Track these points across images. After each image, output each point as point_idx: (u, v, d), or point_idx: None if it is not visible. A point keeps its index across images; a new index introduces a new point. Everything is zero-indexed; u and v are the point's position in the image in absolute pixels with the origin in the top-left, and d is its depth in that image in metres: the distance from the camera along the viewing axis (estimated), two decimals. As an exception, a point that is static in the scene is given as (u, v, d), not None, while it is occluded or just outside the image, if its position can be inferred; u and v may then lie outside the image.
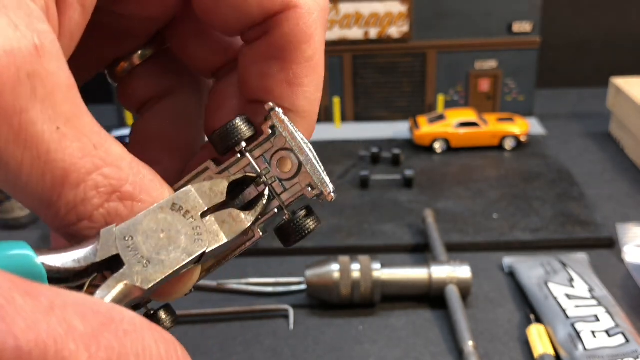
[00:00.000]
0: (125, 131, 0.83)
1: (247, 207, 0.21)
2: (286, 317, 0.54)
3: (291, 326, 0.53)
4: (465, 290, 0.54)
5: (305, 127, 0.21)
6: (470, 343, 0.48)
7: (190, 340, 0.52)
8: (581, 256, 0.59)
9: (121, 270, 0.18)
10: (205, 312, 0.54)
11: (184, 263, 0.19)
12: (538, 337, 0.49)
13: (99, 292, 0.18)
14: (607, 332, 0.48)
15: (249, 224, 0.21)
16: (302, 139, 0.21)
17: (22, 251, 0.17)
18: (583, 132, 0.90)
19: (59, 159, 0.16)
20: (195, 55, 0.23)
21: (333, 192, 0.22)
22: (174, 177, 0.23)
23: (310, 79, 0.21)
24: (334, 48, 0.90)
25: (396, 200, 0.71)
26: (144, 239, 0.19)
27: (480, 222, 0.66)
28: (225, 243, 0.21)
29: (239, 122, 0.21)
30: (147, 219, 0.19)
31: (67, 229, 0.18)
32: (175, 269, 0.19)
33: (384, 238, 0.64)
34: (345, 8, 0.88)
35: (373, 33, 0.89)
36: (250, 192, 0.21)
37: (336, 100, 0.92)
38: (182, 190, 0.20)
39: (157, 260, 0.19)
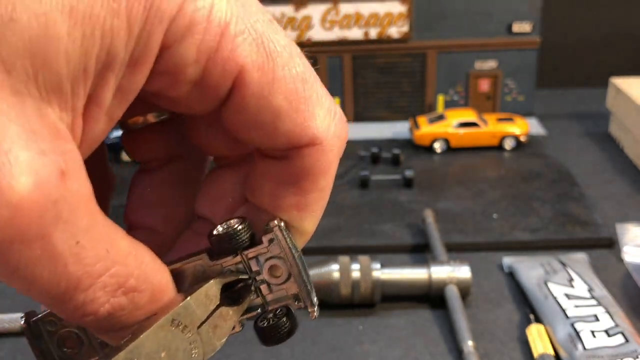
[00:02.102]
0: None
1: (235, 302, 0.22)
2: (286, 317, 0.54)
3: (291, 326, 0.53)
4: (465, 290, 0.54)
5: (303, 242, 0.23)
6: (470, 343, 0.48)
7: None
8: (581, 256, 0.59)
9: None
10: (205, 312, 0.54)
11: None
12: (538, 336, 0.49)
13: None
14: (606, 331, 0.48)
15: (236, 320, 0.22)
16: (298, 255, 0.22)
17: None
18: (583, 132, 0.90)
19: (75, 270, 0.17)
20: (205, 140, 0.23)
21: (317, 310, 0.23)
22: (168, 246, 0.24)
23: (319, 205, 0.22)
24: (334, 48, 0.90)
25: (396, 200, 0.71)
26: None
27: (480, 222, 0.66)
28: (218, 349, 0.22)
29: (241, 229, 0.21)
30: (149, 341, 0.19)
31: (72, 321, 0.19)
32: None
33: (383, 238, 0.64)
34: (345, 8, 0.88)
35: (373, 33, 0.89)
36: (239, 288, 0.22)
37: (336, 101, 0.92)
38: (181, 305, 0.20)
39: None
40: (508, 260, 0.60)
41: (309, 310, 0.23)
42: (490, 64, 0.91)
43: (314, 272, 0.54)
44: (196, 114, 0.21)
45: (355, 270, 0.54)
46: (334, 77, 0.92)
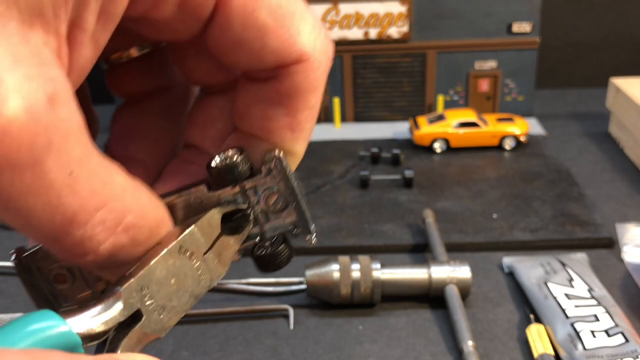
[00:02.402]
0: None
1: (234, 231, 0.22)
2: (286, 316, 0.55)
3: (291, 326, 0.53)
4: (464, 290, 0.54)
5: (295, 164, 0.23)
6: (470, 343, 0.49)
7: (190, 340, 0.52)
8: (581, 256, 0.59)
9: (141, 322, 0.19)
10: (205, 312, 0.54)
11: (191, 305, 0.20)
12: (538, 336, 0.49)
13: (122, 345, 0.19)
14: (606, 331, 0.48)
15: (236, 249, 0.22)
16: (297, 184, 0.22)
17: (58, 326, 0.17)
18: (583, 132, 0.90)
19: (70, 202, 0.16)
20: (191, 69, 0.23)
21: (314, 237, 0.23)
22: (155, 176, 0.23)
23: (310, 125, 0.22)
24: (334, 48, 0.90)
25: (396, 200, 0.71)
26: (158, 288, 0.19)
27: (479, 222, 0.66)
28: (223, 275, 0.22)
29: (240, 160, 0.22)
30: (159, 267, 0.19)
31: (73, 261, 0.18)
32: (185, 312, 0.20)
33: (383, 238, 0.64)
34: (345, 8, 0.88)
35: (373, 33, 0.89)
36: (238, 218, 0.22)
37: (336, 101, 0.92)
38: (187, 232, 0.20)
39: (170, 307, 0.20)
40: (508, 260, 0.60)
41: (307, 237, 0.23)
42: (490, 64, 0.91)
43: (313, 272, 0.54)
44: (181, 40, 0.21)
45: (355, 270, 0.54)
46: (334, 77, 0.92)
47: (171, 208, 0.21)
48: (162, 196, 0.21)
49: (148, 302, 0.19)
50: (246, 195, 0.22)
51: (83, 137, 0.17)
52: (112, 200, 0.18)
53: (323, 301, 0.55)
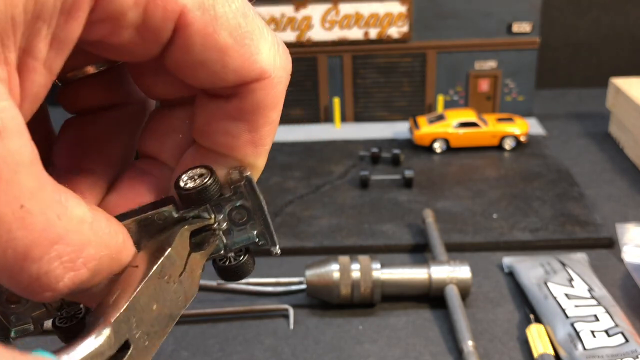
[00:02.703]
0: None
1: (199, 247, 0.22)
2: (286, 316, 0.55)
3: (291, 326, 0.53)
4: (464, 290, 0.54)
5: (256, 177, 0.23)
6: (470, 343, 0.49)
7: (190, 340, 0.52)
8: (581, 256, 0.59)
9: (129, 352, 0.19)
10: (205, 312, 0.54)
11: (170, 328, 0.20)
12: (538, 336, 0.49)
13: None
14: (606, 331, 0.48)
15: (203, 264, 0.22)
16: (263, 201, 0.23)
17: None
18: (582, 132, 0.90)
19: (21, 237, 0.16)
20: (149, 85, 0.23)
21: (278, 248, 0.24)
22: (105, 186, 0.23)
23: (270, 139, 0.22)
24: (334, 48, 0.90)
25: (396, 200, 0.71)
26: (142, 316, 0.19)
27: (479, 222, 0.66)
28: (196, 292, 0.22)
29: (210, 182, 0.22)
30: (143, 296, 0.19)
31: (31, 298, 0.18)
32: (165, 336, 0.20)
33: (383, 238, 0.64)
34: (345, 8, 0.88)
35: (373, 33, 0.89)
36: (204, 233, 0.23)
37: (336, 101, 0.92)
38: (165, 256, 0.20)
39: (153, 332, 0.20)
40: (508, 260, 0.60)
41: (272, 249, 0.24)
42: (490, 64, 0.91)
43: (313, 272, 0.54)
44: (139, 61, 0.21)
45: (355, 270, 0.54)
46: (334, 77, 0.92)
47: (133, 228, 0.21)
48: (125, 215, 0.21)
49: (135, 332, 0.19)
50: (211, 210, 0.22)
51: (35, 168, 0.16)
52: (68, 233, 0.17)
53: (323, 301, 0.55)
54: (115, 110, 0.24)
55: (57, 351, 0.17)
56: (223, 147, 0.22)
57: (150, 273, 0.20)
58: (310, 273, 0.54)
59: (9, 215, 0.16)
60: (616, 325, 0.48)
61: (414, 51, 0.91)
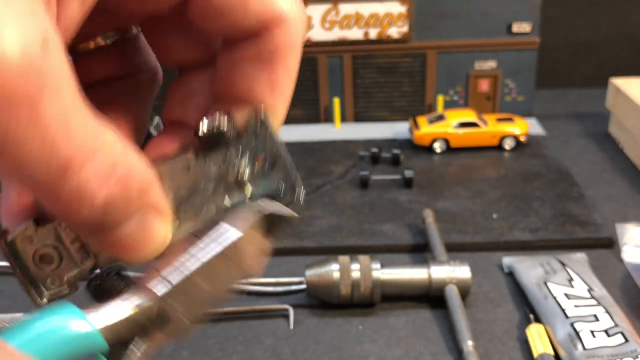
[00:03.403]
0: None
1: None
2: (286, 316, 0.55)
3: (291, 326, 0.53)
4: (464, 290, 0.54)
5: (277, 125, 0.23)
6: (470, 342, 0.49)
7: (190, 340, 0.52)
8: (580, 256, 0.60)
9: (168, 328, 0.19)
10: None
11: (214, 309, 0.20)
12: (537, 336, 0.49)
13: (142, 349, 0.19)
14: (606, 331, 0.48)
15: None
16: (281, 143, 0.22)
17: (82, 326, 0.17)
18: (582, 133, 0.90)
19: (65, 147, 0.16)
20: (170, 47, 0.24)
21: (303, 195, 0.23)
22: None
23: (289, 86, 0.23)
24: (334, 48, 0.90)
25: (396, 200, 0.71)
26: (191, 297, 0.19)
27: (479, 222, 0.66)
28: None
29: (228, 123, 0.22)
30: (199, 276, 0.19)
31: (68, 217, 0.18)
32: (207, 317, 0.20)
33: (383, 238, 0.64)
34: (345, 8, 0.88)
35: (373, 33, 0.89)
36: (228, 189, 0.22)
37: (336, 101, 0.92)
38: (233, 242, 0.20)
39: (196, 313, 0.20)
40: (508, 260, 0.60)
41: (295, 196, 0.22)
42: (490, 64, 0.91)
43: (313, 272, 0.54)
44: (162, 12, 0.21)
45: (355, 270, 0.54)
46: (334, 77, 0.92)
47: (158, 174, 0.21)
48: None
49: (179, 310, 0.19)
50: (233, 155, 0.22)
51: (74, 89, 0.17)
52: (103, 149, 0.18)
53: (323, 301, 0.55)
54: (126, 81, 0.25)
55: (87, 309, 0.17)
56: (242, 92, 0.22)
57: (213, 255, 0.19)
58: (310, 273, 0.54)
59: (55, 124, 0.16)
60: (616, 325, 0.49)
61: (413, 51, 0.91)
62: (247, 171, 0.22)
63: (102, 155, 0.18)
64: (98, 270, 0.22)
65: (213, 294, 0.20)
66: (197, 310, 0.19)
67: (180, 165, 0.22)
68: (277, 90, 0.22)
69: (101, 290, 0.21)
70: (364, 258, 0.55)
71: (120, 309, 0.18)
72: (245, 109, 0.22)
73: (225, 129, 0.22)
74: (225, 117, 0.22)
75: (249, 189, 0.22)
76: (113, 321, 0.18)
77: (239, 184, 0.22)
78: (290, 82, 0.23)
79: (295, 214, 0.22)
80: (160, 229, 0.20)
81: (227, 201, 0.22)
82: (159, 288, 0.19)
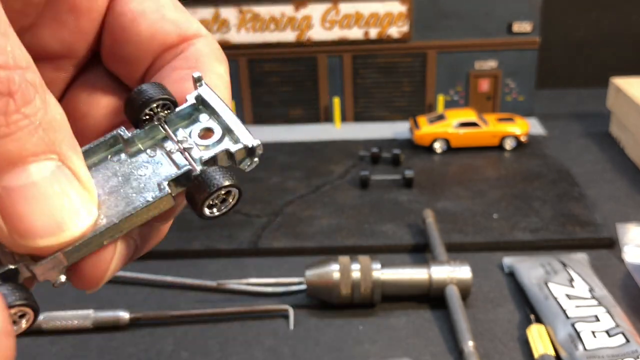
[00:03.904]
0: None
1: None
2: (286, 317, 0.54)
3: (291, 326, 0.53)
4: (465, 290, 0.54)
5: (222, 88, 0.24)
6: (470, 343, 0.48)
7: (190, 340, 0.52)
8: (581, 256, 0.59)
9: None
10: (205, 312, 0.54)
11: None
12: (538, 337, 0.49)
13: None
14: (607, 332, 0.48)
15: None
16: (225, 105, 0.21)
17: None
18: (583, 132, 0.90)
19: None
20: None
21: (256, 142, 0.21)
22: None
23: (222, 89, 0.23)
24: (334, 48, 0.90)
25: (396, 200, 0.71)
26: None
27: (480, 222, 0.66)
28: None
29: (149, 85, 0.21)
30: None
31: None
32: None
33: (383, 238, 0.64)
34: (345, 8, 0.88)
35: (373, 33, 0.89)
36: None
37: (336, 100, 0.92)
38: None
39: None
40: (508, 260, 0.60)
41: (250, 145, 0.21)
42: (491, 64, 0.91)
43: (313, 272, 0.54)
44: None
45: (356, 271, 0.54)
46: (334, 77, 0.92)
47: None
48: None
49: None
50: (164, 127, 0.21)
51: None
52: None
53: (323, 301, 0.55)
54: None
55: None
56: (177, 96, 0.22)
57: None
58: (310, 273, 0.54)
59: None
60: (617, 326, 0.48)
61: (414, 51, 0.91)
62: (190, 140, 0.21)
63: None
64: None
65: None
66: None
67: (108, 153, 0.21)
68: (216, 89, 0.22)
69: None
70: (364, 258, 0.55)
71: None
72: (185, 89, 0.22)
73: (146, 88, 0.21)
74: (159, 89, 0.21)
75: (196, 153, 0.21)
76: None
77: (184, 151, 0.21)
78: (222, 85, 0.23)
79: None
80: (77, 197, 0.18)
81: (173, 172, 0.20)
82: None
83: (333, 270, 0.54)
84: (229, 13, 0.88)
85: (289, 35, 0.89)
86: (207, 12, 0.88)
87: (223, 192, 0.20)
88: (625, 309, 0.52)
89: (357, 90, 0.93)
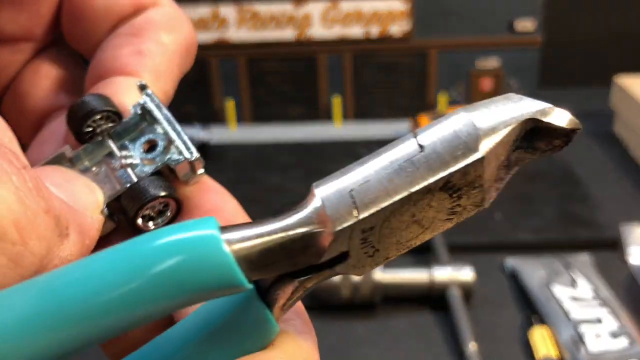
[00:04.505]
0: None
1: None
2: (286, 318, 0.54)
3: (291, 328, 0.53)
4: (467, 292, 0.54)
5: (162, 98, 0.22)
6: (472, 345, 0.48)
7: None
8: (584, 257, 0.59)
9: (347, 262, 0.16)
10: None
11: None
12: (541, 339, 0.49)
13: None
14: (610, 333, 0.47)
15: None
16: (166, 112, 0.20)
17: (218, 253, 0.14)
18: (586, 132, 0.90)
19: None
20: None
21: (196, 157, 0.20)
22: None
23: (159, 56, 0.22)
24: (334, 47, 0.90)
25: (397, 201, 0.71)
26: (379, 231, 0.16)
27: (482, 222, 0.66)
28: None
29: (89, 98, 0.20)
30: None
31: None
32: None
33: (384, 239, 0.64)
34: (346, 7, 0.87)
35: (374, 32, 0.89)
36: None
37: (336, 99, 0.92)
38: None
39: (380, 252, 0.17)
40: (511, 261, 0.59)
41: (187, 157, 0.20)
42: (492, 63, 0.91)
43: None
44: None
45: (356, 272, 0.53)
46: (335, 76, 0.91)
47: None
48: None
49: (364, 247, 0.16)
50: (110, 142, 0.20)
51: None
52: None
53: (324, 303, 0.54)
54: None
55: (225, 228, 0.14)
56: (107, 62, 0.22)
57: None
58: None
59: None
60: (620, 327, 0.48)
61: (415, 50, 0.90)
62: (135, 154, 0.20)
63: None
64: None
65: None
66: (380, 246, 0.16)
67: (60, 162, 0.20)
68: (143, 56, 0.21)
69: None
70: (364, 259, 0.54)
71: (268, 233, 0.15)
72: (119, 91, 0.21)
73: (90, 99, 0.20)
74: (91, 95, 0.20)
75: (139, 169, 0.20)
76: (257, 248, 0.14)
77: (125, 167, 0.20)
78: (159, 53, 0.22)
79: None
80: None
81: (116, 187, 0.20)
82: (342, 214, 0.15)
83: (333, 271, 0.53)
84: (228, 11, 0.88)
85: (289, 34, 0.89)
86: (205, 10, 0.87)
87: (158, 203, 0.19)
88: (628, 311, 0.52)
89: (358, 89, 0.93)
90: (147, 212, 0.19)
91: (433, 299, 0.54)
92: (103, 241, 0.19)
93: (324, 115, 0.93)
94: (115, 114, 0.20)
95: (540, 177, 0.75)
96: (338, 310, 0.54)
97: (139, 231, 0.19)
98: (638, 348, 0.46)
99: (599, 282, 0.54)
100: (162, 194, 0.19)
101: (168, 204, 0.19)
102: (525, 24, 0.88)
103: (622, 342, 0.47)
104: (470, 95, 0.92)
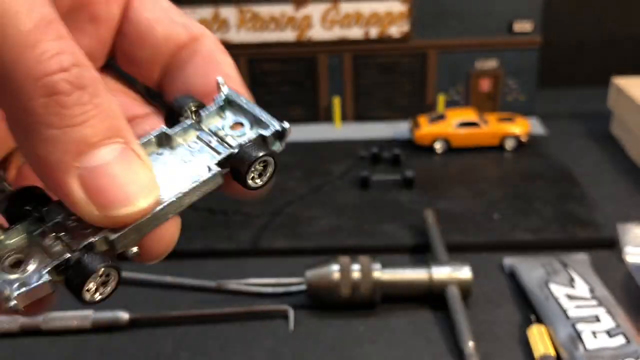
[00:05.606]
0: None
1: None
2: (286, 317, 0.54)
3: (291, 327, 0.53)
4: (465, 290, 0.54)
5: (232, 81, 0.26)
6: (471, 343, 0.48)
7: (190, 341, 0.52)
8: (582, 256, 0.59)
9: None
10: (205, 313, 0.54)
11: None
12: (539, 337, 0.49)
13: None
14: (608, 332, 0.48)
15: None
16: (249, 102, 0.25)
17: None
18: (584, 132, 0.90)
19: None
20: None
21: (287, 127, 0.25)
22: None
23: (237, 77, 0.26)
24: (334, 48, 0.90)
25: (396, 201, 0.71)
26: None
27: (480, 222, 0.66)
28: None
29: (186, 95, 0.25)
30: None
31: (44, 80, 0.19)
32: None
33: (384, 238, 0.64)
34: (345, 7, 0.88)
35: (373, 33, 0.89)
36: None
37: (336, 100, 0.92)
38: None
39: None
40: (509, 260, 0.60)
41: (279, 128, 0.25)
42: (491, 64, 0.91)
43: (314, 273, 0.54)
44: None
45: (356, 271, 0.54)
46: (334, 77, 0.92)
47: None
48: None
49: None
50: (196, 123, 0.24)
51: None
52: (68, 47, 0.19)
53: (323, 302, 0.55)
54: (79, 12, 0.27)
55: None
56: (200, 87, 0.25)
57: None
58: (310, 274, 0.54)
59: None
60: (618, 326, 0.48)
61: (414, 51, 0.90)
62: (226, 132, 0.24)
63: (63, 43, 0.19)
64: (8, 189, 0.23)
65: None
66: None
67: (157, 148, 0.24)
68: (231, 79, 0.25)
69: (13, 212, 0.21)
70: (364, 258, 0.55)
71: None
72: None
73: (188, 96, 0.24)
74: (190, 100, 0.24)
75: (231, 141, 0.24)
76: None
77: (221, 140, 0.24)
78: (234, 73, 0.26)
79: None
80: (144, 175, 0.20)
81: (213, 158, 0.23)
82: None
83: (333, 270, 0.54)
84: (228, 12, 0.88)
85: (289, 35, 0.89)
86: (206, 12, 0.88)
87: (260, 163, 0.23)
88: (626, 310, 0.52)
89: (357, 90, 0.93)
90: (253, 171, 0.23)
91: (432, 297, 0.55)
92: None
93: (324, 115, 0.94)
94: (203, 106, 0.24)
95: (537, 177, 0.75)
96: (337, 310, 0.55)
97: (249, 188, 0.23)
98: (634, 346, 0.46)
99: (597, 281, 0.55)
100: (262, 153, 0.23)
101: (267, 161, 0.23)
102: (524, 25, 0.89)
103: (619, 340, 0.47)
104: (469, 96, 0.92)
